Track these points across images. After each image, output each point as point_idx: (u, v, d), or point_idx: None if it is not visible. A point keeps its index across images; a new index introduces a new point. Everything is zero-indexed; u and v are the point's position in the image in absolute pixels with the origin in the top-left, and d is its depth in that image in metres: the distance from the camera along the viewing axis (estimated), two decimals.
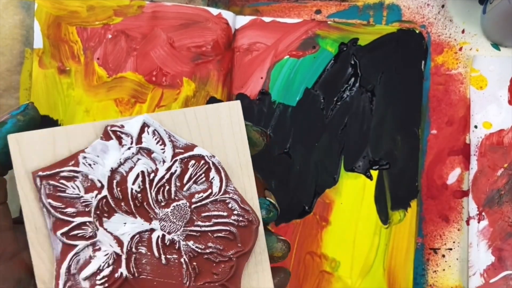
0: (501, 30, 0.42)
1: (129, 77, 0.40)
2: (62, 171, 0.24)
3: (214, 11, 0.40)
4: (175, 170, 0.25)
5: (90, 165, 0.25)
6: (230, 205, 0.26)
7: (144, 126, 0.25)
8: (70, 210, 0.25)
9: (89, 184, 0.25)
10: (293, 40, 0.42)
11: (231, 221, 0.26)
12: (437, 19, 0.43)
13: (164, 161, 0.25)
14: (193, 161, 0.26)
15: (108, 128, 0.25)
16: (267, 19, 0.42)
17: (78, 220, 0.25)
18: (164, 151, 0.25)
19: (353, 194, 0.41)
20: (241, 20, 0.42)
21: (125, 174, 0.25)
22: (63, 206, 0.24)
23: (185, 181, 0.26)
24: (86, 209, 0.25)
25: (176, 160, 0.25)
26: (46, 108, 0.39)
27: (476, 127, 0.42)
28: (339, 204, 0.41)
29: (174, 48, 0.40)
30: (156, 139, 0.25)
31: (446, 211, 0.42)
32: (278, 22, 0.42)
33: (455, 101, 0.43)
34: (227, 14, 0.41)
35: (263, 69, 0.42)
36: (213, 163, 0.26)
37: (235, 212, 0.26)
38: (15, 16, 0.39)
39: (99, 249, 0.25)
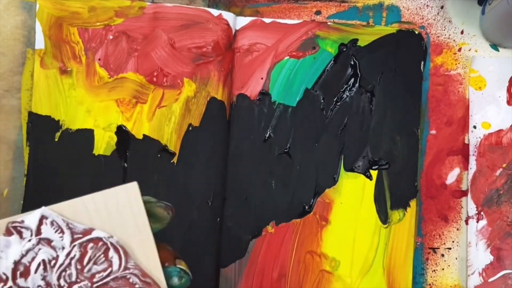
0: (500, 31, 0.42)
1: (130, 77, 0.40)
2: None
3: (215, 12, 0.41)
4: (75, 255, 0.27)
5: None
6: (131, 280, 0.28)
7: (43, 218, 0.27)
8: None
9: None
10: (293, 41, 0.42)
11: None
12: (436, 20, 0.44)
13: (63, 248, 0.27)
14: (91, 244, 0.27)
15: (9, 225, 0.27)
16: (267, 20, 0.42)
17: None
18: (62, 238, 0.27)
19: (353, 194, 0.42)
20: (242, 21, 0.42)
21: (28, 264, 0.26)
22: None
23: (85, 263, 0.27)
24: None
25: (74, 246, 0.27)
26: (48, 108, 0.40)
27: (475, 127, 0.42)
28: (339, 203, 0.41)
29: (175, 48, 0.40)
30: (54, 228, 0.27)
31: (445, 210, 0.43)
32: (278, 23, 0.42)
33: (454, 102, 0.43)
34: (228, 15, 0.41)
35: (263, 69, 0.42)
36: (111, 243, 0.27)
37: (137, 286, 0.28)
38: (16, 17, 0.40)
39: None
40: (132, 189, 0.28)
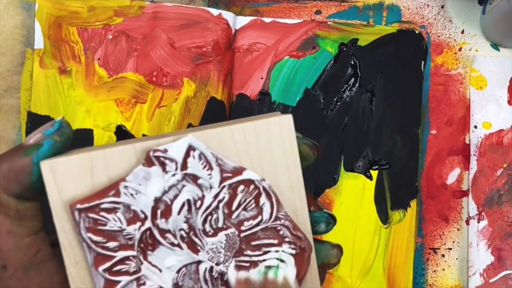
0: (500, 31, 0.42)
1: (129, 77, 0.40)
2: (102, 203, 0.22)
3: (215, 11, 0.40)
4: (223, 197, 0.23)
5: (132, 195, 0.23)
6: (281, 232, 0.24)
7: (190, 149, 0.23)
8: (112, 244, 0.23)
9: (131, 216, 0.23)
10: (293, 40, 0.42)
11: (282, 249, 0.24)
12: (436, 19, 0.44)
13: (211, 187, 0.23)
14: (242, 186, 0.24)
15: (151, 153, 0.23)
16: (267, 19, 0.42)
17: (121, 254, 0.23)
18: (211, 177, 0.23)
19: (353, 194, 0.41)
20: (241, 21, 0.42)
21: (169, 203, 0.23)
22: (104, 240, 0.23)
23: (233, 208, 0.24)
24: (129, 242, 0.23)
25: (224, 186, 0.23)
26: (47, 108, 0.40)
27: (475, 127, 0.42)
28: (339, 204, 0.41)
29: (174, 48, 0.40)
30: (202, 163, 0.23)
31: (445, 211, 0.42)
32: (278, 23, 0.42)
33: (455, 101, 0.43)
34: (228, 15, 0.41)
35: (263, 69, 0.42)
36: (264, 188, 0.24)
37: (287, 239, 0.24)
38: (16, 17, 0.40)
39: (144, 283, 0.23)
40: (287, 122, 0.24)
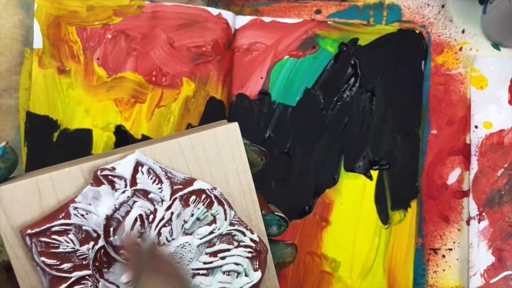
0: (501, 30, 0.41)
1: (128, 77, 0.40)
2: (53, 226, 0.22)
3: (214, 11, 0.40)
4: (176, 209, 0.24)
5: (82, 215, 0.23)
6: (236, 237, 0.25)
7: (138, 165, 0.23)
8: (66, 265, 0.23)
9: (83, 236, 0.23)
10: (293, 40, 0.42)
11: (239, 253, 0.25)
12: (437, 19, 0.43)
13: (162, 201, 0.23)
14: (193, 197, 0.24)
15: (98, 173, 0.23)
16: (267, 19, 0.42)
17: (76, 275, 0.23)
18: (161, 190, 0.23)
19: (353, 194, 0.41)
20: (241, 20, 0.42)
21: (121, 220, 0.23)
22: (58, 262, 0.23)
23: (187, 218, 0.24)
24: (84, 262, 0.23)
25: (175, 198, 0.24)
26: (46, 108, 0.39)
27: (476, 127, 0.42)
28: (339, 204, 0.41)
29: (174, 48, 0.40)
30: (151, 178, 0.23)
31: (446, 211, 0.42)
32: (278, 22, 0.42)
33: (455, 101, 0.43)
34: (227, 14, 0.41)
35: (263, 69, 0.42)
36: (215, 196, 0.24)
37: (242, 243, 0.25)
38: (14, 16, 0.39)
39: None
40: (233, 130, 0.24)
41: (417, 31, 0.42)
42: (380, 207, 0.41)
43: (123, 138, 0.40)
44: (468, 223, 0.42)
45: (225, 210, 0.24)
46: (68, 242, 0.23)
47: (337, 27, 0.42)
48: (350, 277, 0.41)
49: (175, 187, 0.24)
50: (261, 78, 0.42)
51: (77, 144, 0.40)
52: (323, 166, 0.41)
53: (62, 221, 0.23)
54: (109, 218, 0.23)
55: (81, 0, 0.39)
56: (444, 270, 0.42)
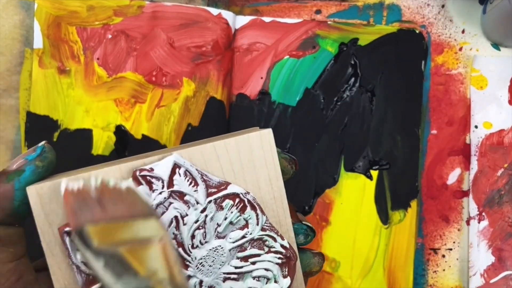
0: (501, 30, 0.41)
1: (129, 77, 0.40)
2: None
3: (214, 11, 0.40)
4: (210, 212, 0.24)
5: None
6: (267, 243, 0.25)
7: (175, 167, 0.23)
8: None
9: None
10: (293, 40, 0.42)
11: (269, 259, 0.25)
12: (437, 19, 0.43)
13: (197, 203, 0.24)
14: (227, 200, 0.24)
15: (137, 173, 0.23)
16: (267, 19, 0.42)
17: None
18: (197, 192, 0.24)
19: (353, 194, 0.41)
20: (241, 20, 0.42)
21: None
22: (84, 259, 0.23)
23: (220, 222, 0.24)
24: None
25: (210, 201, 0.24)
26: (46, 108, 0.39)
27: (476, 127, 0.42)
28: (339, 204, 0.41)
29: (174, 48, 0.40)
30: (188, 180, 0.24)
31: (446, 211, 0.42)
32: (278, 22, 0.42)
33: (455, 101, 0.43)
34: (227, 14, 0.41)
35: (263, 69, 0.42)
36: (248, 200, 0.24)
37: (273, 249, 0.25)
38: (15, 16, 0.39)
39: None
40: (267, 136, 0.24)
41: (417, 31, 0.42)
42: (380, 207, 0.41)
43: (123, 138, 0.40)
44: (468, 223, 0.42)
45: (257, 215, 0.24)
46: None
47: (337, 27, 0.42)
48: (350, 277, 0.41)
49: (210, 190, 0.24)
50: (261, 78, 0.42)
51: (77, 144, 0.40)
52: (323, 166, 0.41)
53: None
54: None
55: (81, 0, 0.39)
56: (444, 270, 0.42)
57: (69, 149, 0.40)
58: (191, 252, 0.24)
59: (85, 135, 0.40)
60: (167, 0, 0.41)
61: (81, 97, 0.40)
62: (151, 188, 0.23)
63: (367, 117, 0.42)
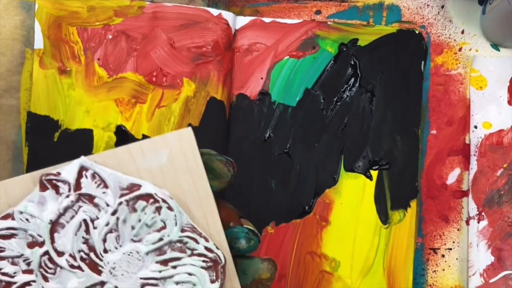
0: (500, 31, 0.42)
1: (129, 77, 0.40)
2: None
3: (214, 11, 0.40)
4: (121, 214, 0.23)
5: (27, 219, 0.23)
6: (188, 245, 0.23)
7: (82, 170, 0.23)
8: (11, 269, 0.23)
9: (29, 240, 0.23)
10: (293, 40, 0.42)
11: (192, 262, 0.23)
12: (436, 19, 0.44)
13: (108, 205, 0.23)
14: (140, 201, 0.23)
15: (43, 177, 0.23)
16: (267, 19, 0.42)
17: (21, 279, 0.23)
18: (106, 194, 0.23)
19: (353, 194, 0.41)
20: (241, 21, 0.42)
21: (66, 225, 0.23)
22: (2, 266, 0.23)
23: (133, 224, 0.23)
24: (29, 267, 0.23)
25: (121, 203, 0.23)
26: (47, 108, 0.40)
27: (476, 127, 0.42)
28: (339, 204, 0.41)
29: (174, 48, 0.40)
30: (96, 182, 0.23)
31: (445, 211, 0.42)
32: (278, 23, 0.42)
33: (455, 102, 0.43)
34: (227, 15, 0.41)
35: (263, 69, 0.42)
36: (163, 200, 0.23)
37: (195, 252, 0.23)
38: (15, 17, 0.39)
39: None
40: (186, 136, 0.24)
41: (417, 32, 0.42)
42: (380, 207, 0.41)
43: (124, 138, 0.40)
44: (467, 223, 0.42)
45: (175, 216, 0.23)
46: (13, 246, 0.23)
47: (337, 27, 0.42)
48: (350, 276, 0.41)
49: (121, 191, 0.23)
50: (261, 78, 0.42)
51: (78, 144, 0.40)
52: (323, 166, 0.42)
53: (8, 225, 0.23)
54: (53, 223, 0.23)
55: (81, 0, 0.40)
56: (443, 269, 0.42)
57: (70, 150, 0.40)
58: (103, 257, 0.23)
59: (86, 135, 0.40)
60: (168, 1, 0.41)
61: (82, 98, 0.40)
62: (57, 191, 0.23)
63: (367, 117, 0.42)
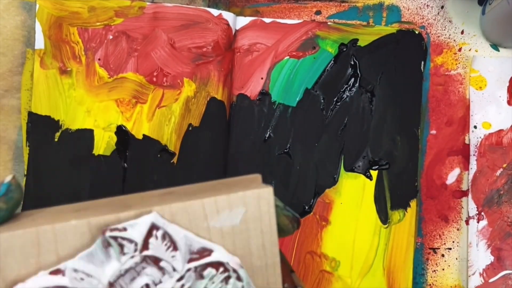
0: (500, 31, 0.42)
1: (130, 77, 0.40)
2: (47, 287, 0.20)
3: (215, 12, 0.40)
4: (188, 281, 0.21)
5: (82, 279, 0.20)
6: None
7: (152, 228, 0.20)
8: None
9: None
10: (293, 40, 0.42)
11: None
12: (436, 20, 0.44)
13: (174, 270, 0.21)
14: (209, 269, 0.21)
15: (107, 234, 0.20)
16: (267, 20, 0.42)
17: None
18: (175, 258, 0.21)
19: (353, 194, 0.41)
20: (242, 21, 0.42)
21: (124, 287, 0.20)
22: None
23: None
24: None
25: (189, 269, 0.21)
26: (47, 108, 0.40)
27: (475, 127, 0.42)
28: (339, 204, 0.41)
29: (174, 48, 0.40)
30: (166, 244, 0.21)
31: (445, 211, 0.42)
32: (278, 23, 0.42)
33: (455, 102, 0.43)
34: (228, 15, 0.41)
35: (263, 69, 0.42)
36: (234, 270, 0.21)
37: None
38: (16, 17, 0.40)
39: None
40: (267, 195, 0.21)
41: (417, 32, 0.42)
42: (379, 207, 0.41)
43: (124, 138, 0.40)
44: (467, 222, 0.42)
45: (243, 287, 0.21)
46: None
47: (337, 27, 0.42)
48: (350, 276, 0.41)
49: (190, 256, 0.21)
50: (262, 78, 0.42)
51: (78, 144, 0.40)
52: (323, 166, 0.42)
53: (58, 282, 0.20)
54: (112, 285, 0.20)
55: (82, 1, 0.40)
56: (443, 269, 0.42)
57: (70, 150, 0.40)
58: None
59: (86, 135, 0.40)
60: (168, 1, 0.41)
61: (83, 98, 0.40)
62: (122, 250, 0.20)
63: (367, 117, 0.42)
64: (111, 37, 0.40)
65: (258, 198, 0.21)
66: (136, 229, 0.20)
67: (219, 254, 0.21)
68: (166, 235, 0.20)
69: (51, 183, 0.39)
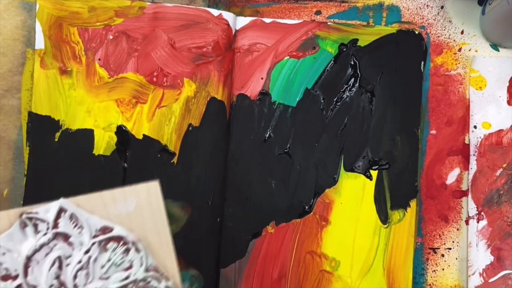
0: (500, 31, 0.42)
1: (130, 77, 0.40)
2: None
3: (215, 12, 0.41)
4: (93, 253, 0.26)
5: (4, 253, 0.24)
6: (151, 284, 0.26)
7: (61, 211, 0.25)
8: None
9: (4, 273, 0.24)
10: (293, 41, 0.42)
11: None
12: (436, 20, 0.44)
13: (81, 244, 0.25)
14: (111, 243, 0.26)
15: (24, 215, 0.25)
16: (267, 20, 0.42)
17: None
18: (81, 234, 0.25)
19: (353, 194, 0.41)
20: (242, 21, 0.42)
21: (40, 261, 0.25)
22: None
23: (103, 263, 0.26)
24: None
25: (94, 243, 0.26)
26: (48, 108, 0.40)
27: (475, 127, 0.42)
28: (339, 204, 0.41)
29: (175, 48, 0.40)
30: (73, 222, 0.25)
31: (445, 211, 0.43)
32: (278, 23, 0.42)
33: (455, 102, 0.43)
34: (228, 15, 0.41)
35: (263, 69, 0.42)
36: (133, 243, 0.26)
37: None
38: (16, 17, 0.40)
39: None
40: (153, 188, 0.27)
41: (417, 32, 0.42)
42: (379, 207, 0.41)
43: (125, 138, 0.40)
44: (467, 222, 0.42)
45: (141, 257, 0.26)
46: None
47: (337, 28, 0.42)
48: (350, 276, 0.41)
49: (94, 232, 0.26)
50: (262, 78, 0.42)
51: (78, 144, 0.40)
52: (323, 166, 0.42)
53: None
54: (29, 258, 0.25)
55: (82, 1, 0.40)
56: (443, 269, 0.42)
57: (71, 149, 0.40)
58: None
59: (87, 135, 0.40)
60: (168, 1, 0.41)
61: (83, 98, 0.40)
62: (36, 229, 0.25)
63: (367, 117, 0.42)
64: (111, 37, 0.40)
65: (147, 189, 0.27)
66: (47, 212, 0.25)
67: (119, 230, 0.26)
68: (73, 216, 0.25)
69: (51, 183, 0.39)
